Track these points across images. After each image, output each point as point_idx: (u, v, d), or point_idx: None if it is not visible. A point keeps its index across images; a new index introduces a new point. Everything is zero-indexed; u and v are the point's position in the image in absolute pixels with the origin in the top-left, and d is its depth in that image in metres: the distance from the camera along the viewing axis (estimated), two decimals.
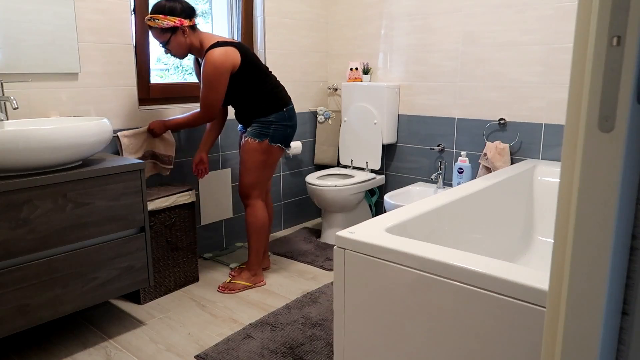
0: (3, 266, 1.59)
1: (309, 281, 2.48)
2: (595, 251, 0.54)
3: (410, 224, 1.55)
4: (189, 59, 2.50)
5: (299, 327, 2.02)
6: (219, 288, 2.40)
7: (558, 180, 0.60)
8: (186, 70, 2.93)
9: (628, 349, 0.56)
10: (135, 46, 2.39)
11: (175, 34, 2.15)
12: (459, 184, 2.73)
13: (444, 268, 1.17)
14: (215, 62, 2.13)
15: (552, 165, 2.46)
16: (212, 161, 2.78)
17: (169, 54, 2.24)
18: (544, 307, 0.96)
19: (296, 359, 1.81)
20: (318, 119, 3.31)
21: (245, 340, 1.94)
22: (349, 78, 3.19)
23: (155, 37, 2.18)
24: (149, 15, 2.13)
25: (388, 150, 3.19)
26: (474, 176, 2.76)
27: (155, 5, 2.14)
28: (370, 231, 1.39)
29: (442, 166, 2.87)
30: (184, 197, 2.32)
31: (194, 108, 2.64)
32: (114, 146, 2.29)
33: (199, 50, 2.23)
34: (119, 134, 2.23)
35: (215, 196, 2.83)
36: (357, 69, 3.16)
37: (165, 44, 2.18)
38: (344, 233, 1.37)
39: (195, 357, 1.84)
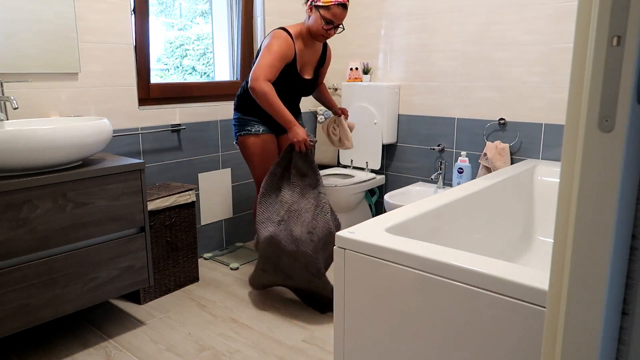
0: (3, 266, 1.59)
1: None
2: (595, 251, 0.54)
3: (410, 224, 1.55)
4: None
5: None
6: None
7: (558, 180, 0.60)
8: (186, 70, 2.93)
9: (628, 349, 0.56)
10: (135, 46, 2.39)
11: None
12: (459, 184, 2.73)
13: (444, 268, 1.17)
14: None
15: (552, 165, 2.45)
16: (212, 161, 2.78)
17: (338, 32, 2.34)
18: (544, 307, 0.96)
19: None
20: (318, 118, 3.31)
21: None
22: (349, 78, 3.19)
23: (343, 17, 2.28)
24: None
25: (388, 150, 3.18)
26: (474, 176, 2.76)
27: None
28: (370, 231, 1.38)
29: (442, 166, 2.87)
30: (184, 197, 2.32)
31: (194, 108, 2.64)
32: (114, 146, 2.29)
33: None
34: None
35: (215, 196, 2.82)
36: (357, 69, 3.16)
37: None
38: (344, 233, 1.37)
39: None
